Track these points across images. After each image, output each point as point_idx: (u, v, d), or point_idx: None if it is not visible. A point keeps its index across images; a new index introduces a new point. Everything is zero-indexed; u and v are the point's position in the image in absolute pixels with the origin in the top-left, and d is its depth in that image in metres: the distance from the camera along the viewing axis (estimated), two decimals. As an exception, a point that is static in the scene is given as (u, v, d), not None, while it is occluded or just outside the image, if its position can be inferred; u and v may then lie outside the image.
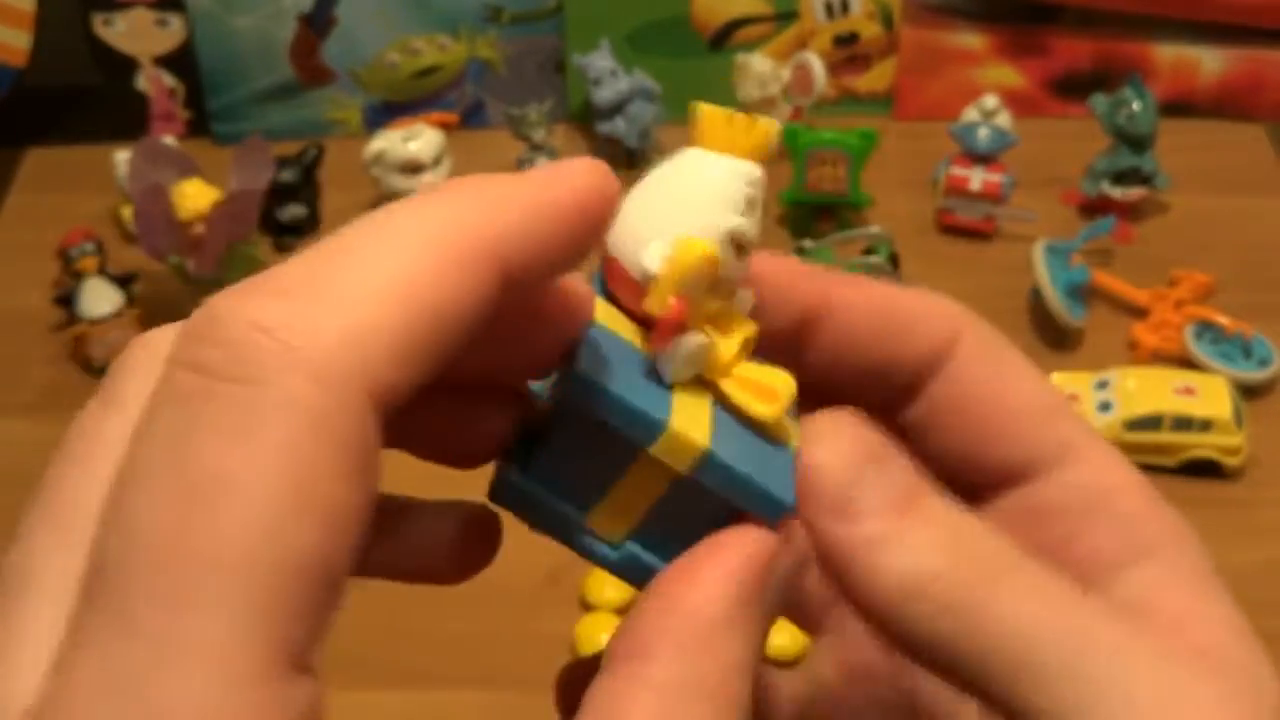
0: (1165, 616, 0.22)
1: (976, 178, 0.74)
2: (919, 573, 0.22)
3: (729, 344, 0.23)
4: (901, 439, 0.25)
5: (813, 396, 0.25)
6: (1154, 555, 0.23)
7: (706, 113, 0.24)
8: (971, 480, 0.25)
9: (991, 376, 0.25)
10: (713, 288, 0.23)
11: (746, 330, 0.24)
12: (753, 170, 0.24)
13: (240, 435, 0.17)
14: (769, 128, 0.24)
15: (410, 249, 0.19)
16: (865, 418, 0.23)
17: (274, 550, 0.18)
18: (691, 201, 0.24)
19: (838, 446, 0.23)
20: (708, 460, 0.22)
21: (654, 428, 0.21)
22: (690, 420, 0.22)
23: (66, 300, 0.68)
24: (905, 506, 0.22)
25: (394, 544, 0.25)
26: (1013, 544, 0.23)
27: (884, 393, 0.26)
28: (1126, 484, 0.24)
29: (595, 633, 0.54)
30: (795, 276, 0.25)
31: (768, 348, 0.24)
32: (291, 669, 0.18)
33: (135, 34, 0.80)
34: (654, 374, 0.23)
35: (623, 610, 0.56)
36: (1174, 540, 0.24)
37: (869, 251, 0.71)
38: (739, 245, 0.23)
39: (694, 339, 0.23)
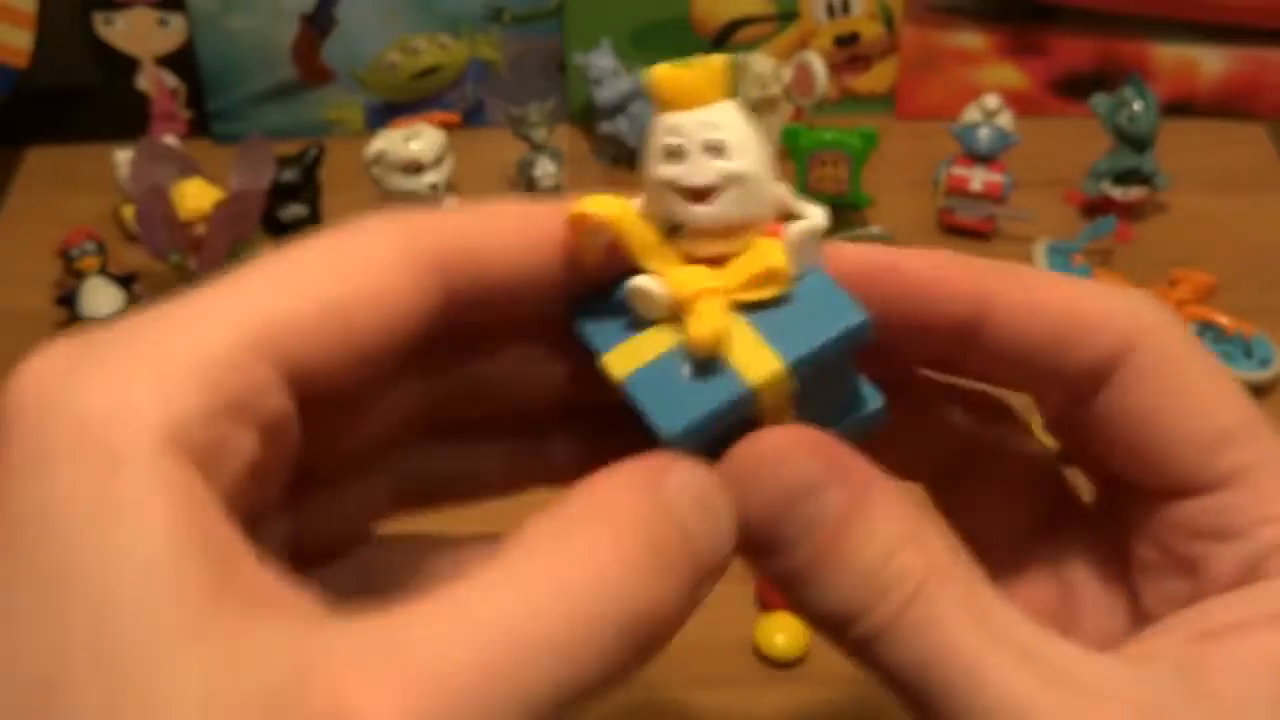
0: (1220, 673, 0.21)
1: (978, 178, 0.74)
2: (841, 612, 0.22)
3: (693, 279, 0.25)
4: (1073, 436, 0.24)
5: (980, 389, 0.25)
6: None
7: (654, 76, 0.26)
8: (1130, 488, 0.25)
9: (1160, 396, 0.23)
10: (672, 232, 0.26)
11: (748, 266, 0.25)
12: (671, 119, 0.26)
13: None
14: (715, 64, 0.26)
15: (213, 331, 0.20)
16: (800, 439, 0.23)
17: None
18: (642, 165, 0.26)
19: (760, 487, 0.23)
20: (621, 386, 0.25)
21: (596, 358, 0.26)
22: (629, 354, 0.25)
23: (68, 300, 0.68)
24: (823, 550, 0.22)
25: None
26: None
27: (1049, 399, 0.25)
28: None
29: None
30: (948, 273, 0.24)
31: (929, 347, 0.24)
32: None
33: (136, 34, 0.80)
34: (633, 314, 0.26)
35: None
36: None
37: (870, 251, 0.71)
38: (681, 190, 0.26)
39: (631, 281, 0.25)
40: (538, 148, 0.75)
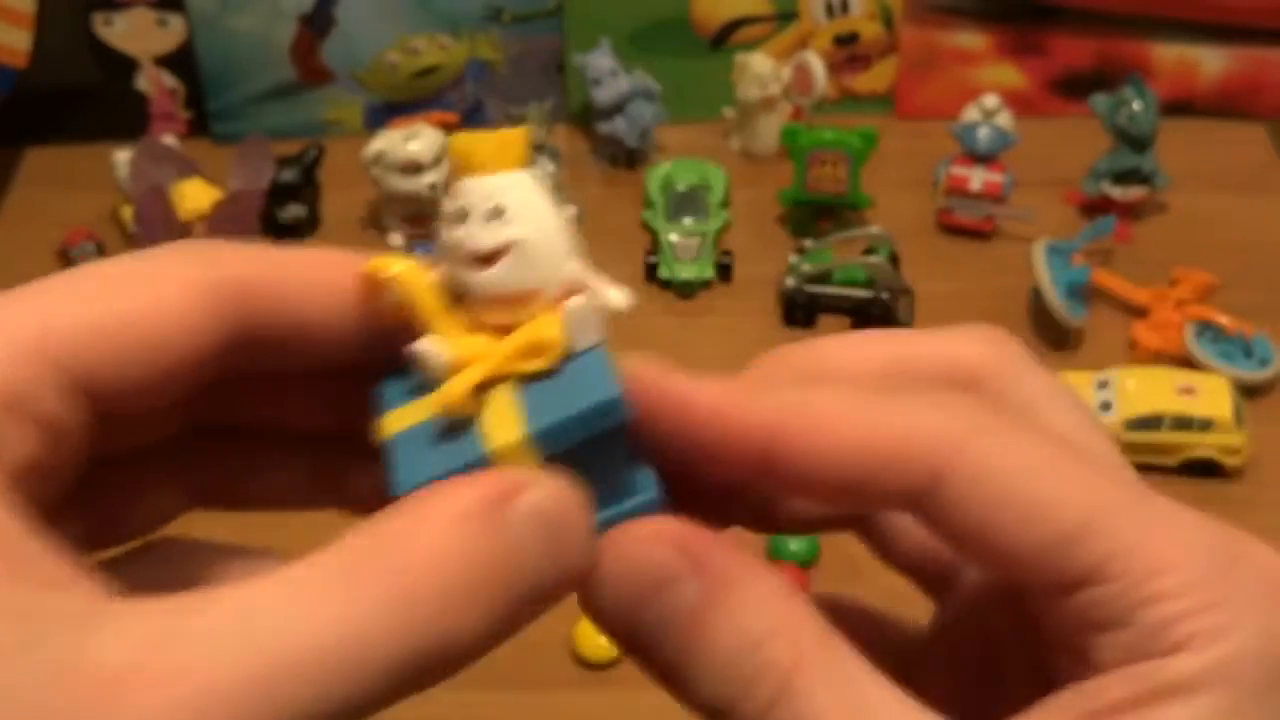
0: None
1: (977, 177, 0.74)
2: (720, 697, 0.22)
3: (472, 346, 0.26)
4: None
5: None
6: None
7: (451, 144, 0.26)
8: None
9: (985, 515, 0.22)
10: (460, 298, 0.26)
11: (523, 336, 0.26)
12: (460, 184, 0.26)
13: None
14: (510, 135, 0.26)
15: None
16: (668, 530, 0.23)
17: None
18: None
19: (614, 583, 0.23)
20: (383, 445, 0.25)
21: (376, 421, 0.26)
22: (403, 415, 0.26)
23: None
24: (684, 644, 0.22)
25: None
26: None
27: (868, 527, 0.25)
28: (1169, 587, 0.21)
29: (595, 634, 0.54)
30: (736, 411, 0.23)
31: (730, 479, 0.24)
32: None
33: (135, 34, 0.80)
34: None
35: (623, 610, 0.56)
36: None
37: (869, 251, 0.71)
38: (463, 254, 0.26)
39: (413, 345, 0.26)
40: (537, 147, 0.75)
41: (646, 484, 0.26)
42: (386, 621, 0.21)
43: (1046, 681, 0.23)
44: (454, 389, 0.25)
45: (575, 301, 0.26)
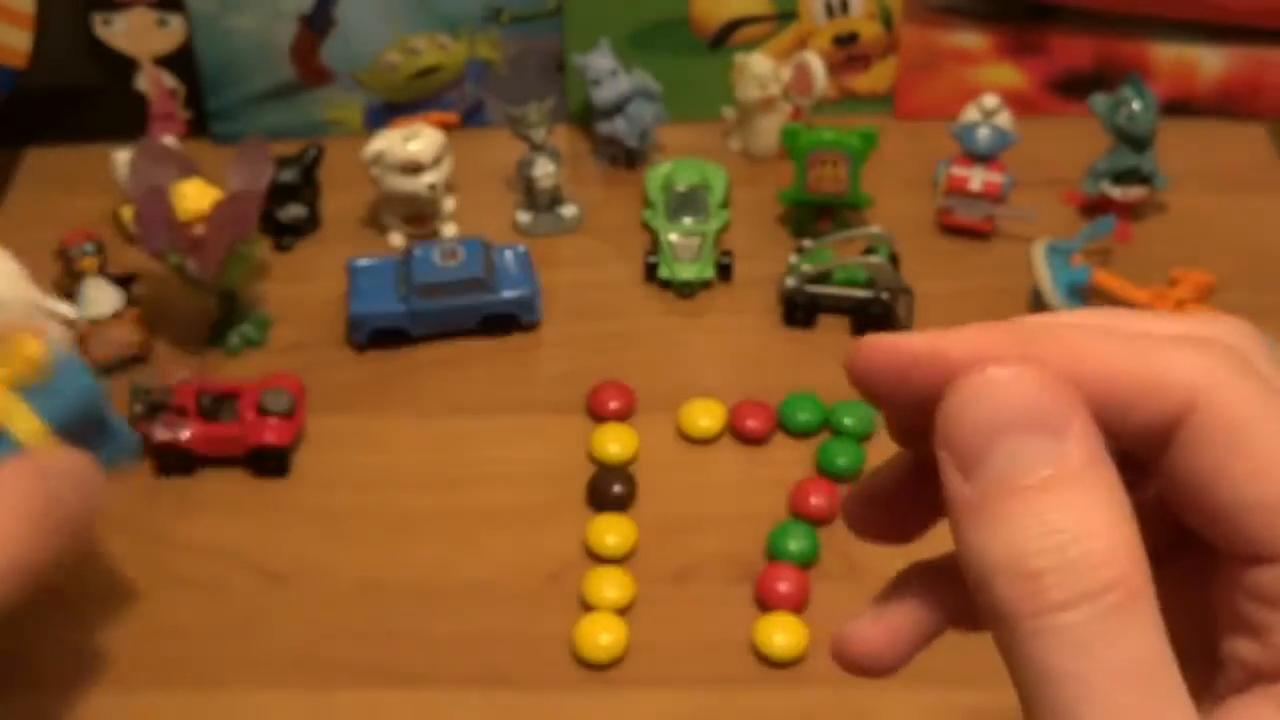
0: None
1: (977, 177, 0.74)
2: (998, 561, 0.21)
3: None
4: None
5: None
6: None
7: None
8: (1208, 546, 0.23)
9: (1218, 461, 0.22)
10: None
11: (13, 360, 0.42)
12: None
13: None
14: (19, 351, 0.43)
15: None
16: (1042, 377, 0.22)
17: None
18: None
19: (979, 399, 0.22)
20: None
21: None
22: None
23: (67, 300, 0.68)
24: (1012, 492, 0.21)
25: None
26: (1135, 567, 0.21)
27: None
28: None
29: (595, 633, 0.54)
30: (990, 342, 0.23)
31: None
32: None
33: (135, 34, 0.80)
34: None
35: (624, 611, 0.56)
36: None
37: (869, 251, 0.71)
38: None
39: None
40: (537, 148, 0.75)
41: (126, 437, 0.47)
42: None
43: (1214, 663, 0.23)
44: None
45: (52, 334, 0.43)
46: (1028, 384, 0.22)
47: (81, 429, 0.44)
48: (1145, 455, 0.23)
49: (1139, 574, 0.20)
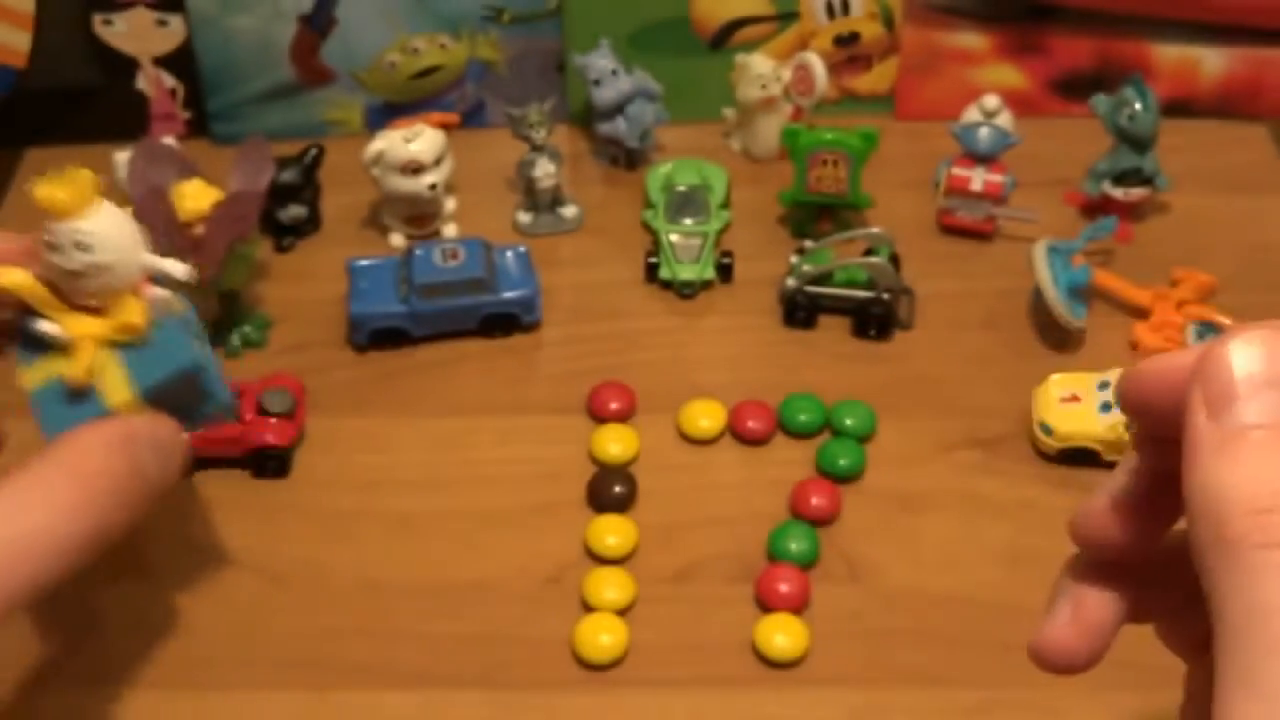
0: None
1: (978, 178, 0.74)
2: (1234, 495, 0.22)
3: (80, 325, 0.42)
4: None
5: None
6: None
7: (36, 195, 0.41)
8: None
9: None
10: (57, 291, 0.42)
11: (116, 319, 0.42)
12: (52, 224, 0.42)
13: None
14: (84, 178, 0.41)
15: None
16: None
17: None
18: None
19: (1247, 351, 0.23)
20: (30, 397, 0.42)
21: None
22: (38, 370, 0.42)
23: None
24: (1258, 436, 0.22)
25: None
26: None
27: None
28: None
29: (595, 634, 0.54)
30: (1165, 376, 0.25)
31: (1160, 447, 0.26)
32: None
33: (135, 34, 0.80)
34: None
35: (624, 611, 0.56)
36: None
37: (869, 252, 0.70)
38: (61, 272, 0.42)
39: (36, 325, 0.42)
40: (537, 148, 0.75)
41: (221, 398, 0.45)
42: (72, 516, 0.36)
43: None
44: (79, 366, 0.41)
45: (153, 295, 0.42)
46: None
47: (177, 393, 0.43)
48: None
49: None
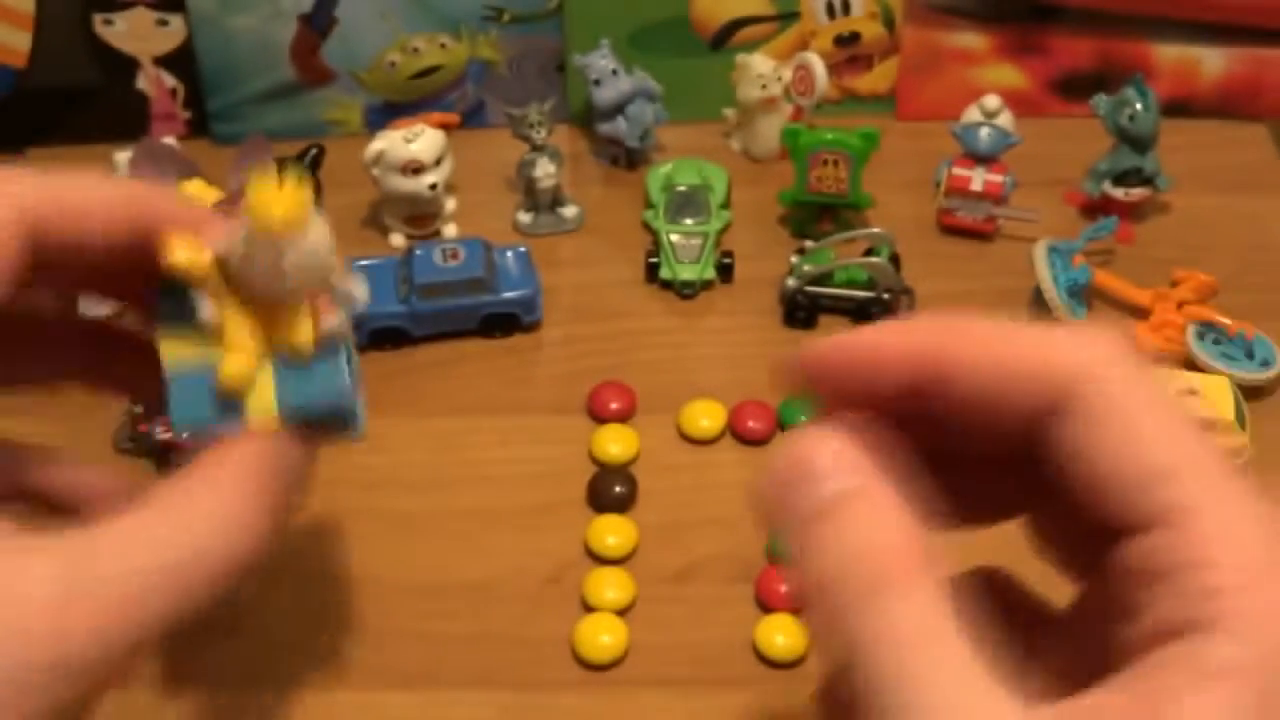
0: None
1: (978, 178, 0.74)
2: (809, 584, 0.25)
3: (238, 329, 0.37)
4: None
5: (959, 435, 0.28)
6: (1205, 640, 0.22)
7: (251, 202, 0.34)
8: (1094, 529, 0.25)
9: (1093, 434, 0.25)
10: (229, 277, 0.36)
11: (282, 332, 0.37)
12: (264, 240, 0.35)
13: None
14: (293, 196, 0.34)
15: None
16: (842, 438, 0.26)
17: None
18: None
19: (774, 466, 0.26)
20: (165, 371, 0.37)
21: (156, 331, 0.37)
22: (179, 345, 0.37)
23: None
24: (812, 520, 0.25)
25: None
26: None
27: (1011, 440, 0.26)
28: (1222, 557, 0.23)
29: (596, 634, 0.54)
30: (906, 337, 0.27)
31: (904, 402, 0.27)
32: None
33: (135, 34, 0.80)
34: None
35: (624, 611, 0.56)
36: (1243, 631, 0.22)
37: (870, 252, 0.70)
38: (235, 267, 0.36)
39: (201, 311, 0.36)
40: (537, 148, 0.75)
41: (356, 420, 0.41)
42: (218, 541, 0.33)
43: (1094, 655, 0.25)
44: (234, 379, 0.37)
45: (330, 321, 0.37)
46: (806, 445, 0.26)
47: (319, 419, 0.40)
48: (1039, 436, 0.26)
49: (911, 566, 0.24)
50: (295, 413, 0.38)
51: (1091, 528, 0.25)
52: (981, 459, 0.29)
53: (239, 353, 0.37)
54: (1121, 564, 0.24)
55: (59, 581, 0.29)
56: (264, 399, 0.38)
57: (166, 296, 0.37)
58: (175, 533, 0.32)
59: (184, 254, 0.36)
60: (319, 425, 0.40)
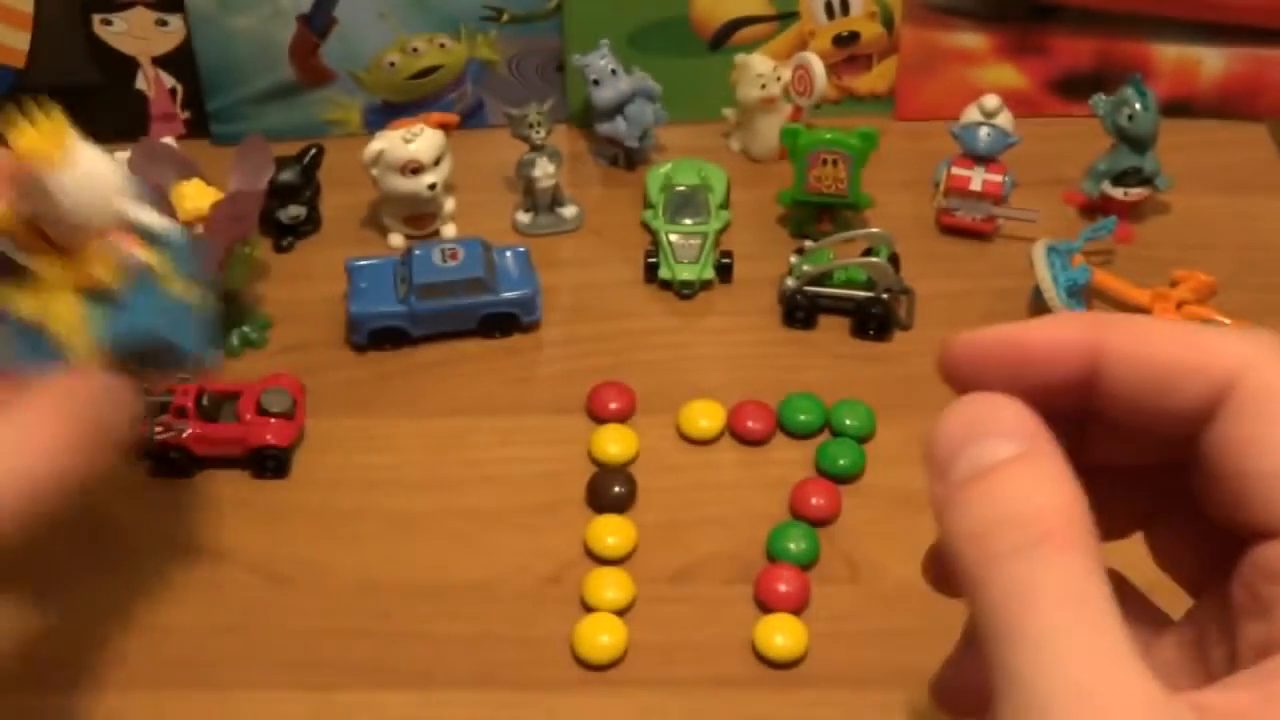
0: None
1: (977, 178, 0.74)
2: (959, 534, 0.25)
3: (48, 266, 0.41)
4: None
5: (1103, 441, 0.28)
6: None
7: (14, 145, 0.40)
8: (1227, 536, 0.25)
9: (1251, 430, 0.24)
10: (29, 222, 0.41)
11: (86, 268, 0.41)
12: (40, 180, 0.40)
13: None
14: (49, 129, 0.40)
15: None
16: (1011, 404, 0.26)
17: None
18: None
19: (949, 420, 0.26)
20: None
21: None
22: (15, 301, 0.41)
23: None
24: (969, 482, 0.25)
25: None
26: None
27: (1161, 441, 0.26)
28: None
29: (595, 634, 0.54)
30: (1065, 335, 0.27)
31: (1056, 400, 0.27)
32: None
33: (135, 34, 0.80)
34: None
35: (624, 611, 0.56)
36: None
37: (869, 252, 0.70)
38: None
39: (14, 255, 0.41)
40: (537, 148, 0.75)
41: (193, 351, 0.44)
42: (58, 455, 0.39)
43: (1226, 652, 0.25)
44: (32, 308, 0.41)
45: (128, 249, 0.41)
46: (984, 405, 0.26)
47: (146, 348, 0.43)
48: (1188, 433, 0.25)
49: (1074, 528, 0.23)
50: (115, 345, 0.42)
51: (1224, 535, 0.25)
52: (1114, 471, 0.29)
53: (40, 290, 0.41)
54: (1259, 565, 0.24)
55: None
56: (81, 335, 0.41)
57: None
58: (12, 446, 0.38)
59: None
60: (147, 357, 0.43)
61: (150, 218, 0.42)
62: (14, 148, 0.39)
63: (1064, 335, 0.27)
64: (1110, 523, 0.30)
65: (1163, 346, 0.26)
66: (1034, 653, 0.22)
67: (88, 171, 0.40)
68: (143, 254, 0.42)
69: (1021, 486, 0.24)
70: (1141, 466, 0.28)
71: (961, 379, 0.28)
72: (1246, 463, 0.24)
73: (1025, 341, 0.27)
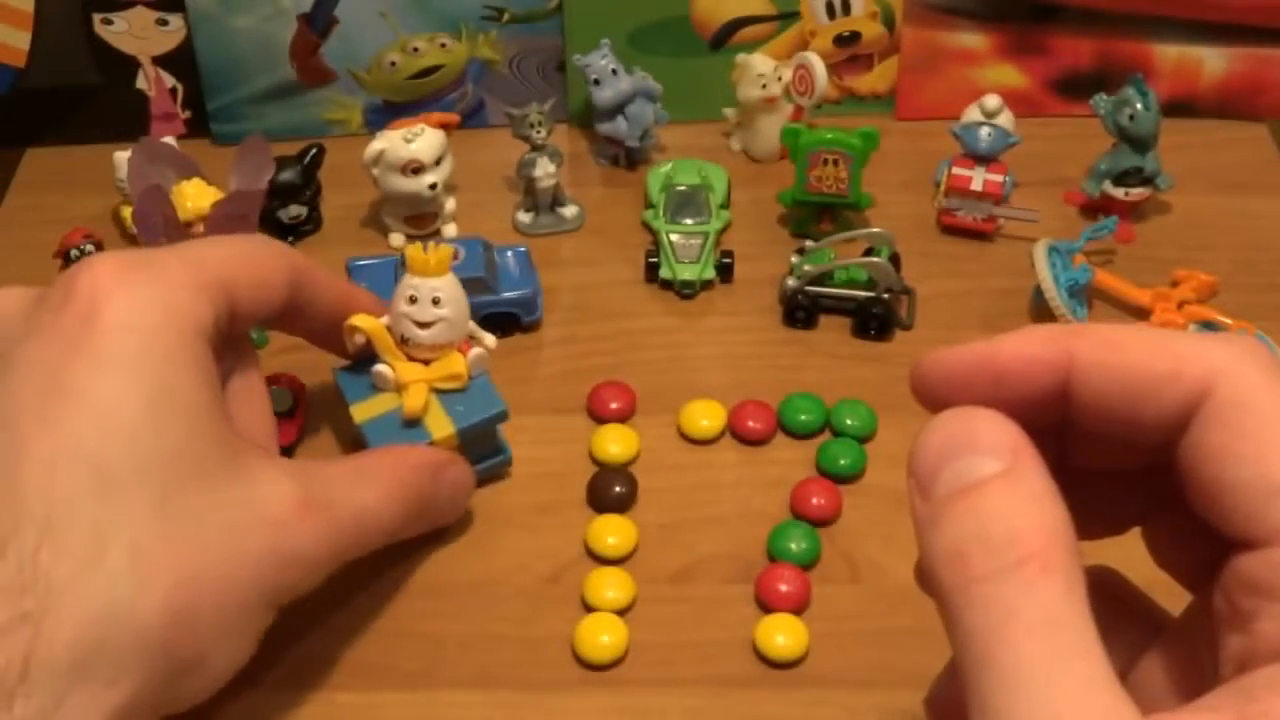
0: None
1: (978, 178, 0.74)
2: (939, 552, 0.25)
3: (411, 372, 0.54)
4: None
5: (1084, 447, 0.27)
6: None
7: (406, 254, 0.55)
8: (1215, 538, 0.25)
9: (1225, 441, 0.24)
10: (403, 341, 0.54)
11: (444, 369, 0.54)
12: (414, 280, 0.54)
13: None
14: (444, 252, 0.54)
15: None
16: (994, 418, 0.26)
17: None
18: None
19: (932, 435, 0.26)
20: (359, 427, 0.54)
21: (346, 405, 0.56)
22: (366, 408, 0.54)
23: None
24: (956, 500, 0.25)
25: None
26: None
27: (1141, 448, 0.26)
28: None
29: (596, 634, 0.54)
30: (1037, 349, 0.27)
31: (1032, 413, 0.27)
32: None
33: (135, 34, 0.80)
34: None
35: (624, 611, 0.56)
36: None
37: (869, 252, 0.70)
38: (414, 320, 0.54)
39: (376, 366, 0.54)
40: (537, 148, 0.74)
41: (505, 450, 0.59)
42: (389, 508, 0.47)
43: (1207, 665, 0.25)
44: (417, 403, 0.53)
45: (474, 354, 0.54)
46: (967, 420, 0.26)
47: (474, 441, 0.55)
48: (1166, 441, 0.25)
49: (1055, 550, 0.23)
50: (465, 431, 0.54)
51: (1212, 537, 0.25)
52: (1098, 473, 0.28)
53: (411, 390, 0.53)
54: (1238, 576, 0.24)
55: (300, 490, 0.43)
56: (441, 423, 0.53)
57: (344, 373, 0.56)
58: (351, 488, 0.47)
59: (366, 322, 0.53)
60: (478, 446, 0.56)
61: (485, 335, 0.56)
62: (412, 257, 0.54)
63: (1034, 349, 0.27)
64: (1102, 521, 0.30)
65: (1134, 355, 0.25)
66: (1010, 685, 0.22)
67: (458, 287, 0.54)
68: (482, 355, 0.55)
69: (1002, 506, 0.24)
70: (1129, 468, 0.28)
71: (934, 399, 0.28)
72: (1222, 472, 0.24)
73: (995, 358, 0.27)
